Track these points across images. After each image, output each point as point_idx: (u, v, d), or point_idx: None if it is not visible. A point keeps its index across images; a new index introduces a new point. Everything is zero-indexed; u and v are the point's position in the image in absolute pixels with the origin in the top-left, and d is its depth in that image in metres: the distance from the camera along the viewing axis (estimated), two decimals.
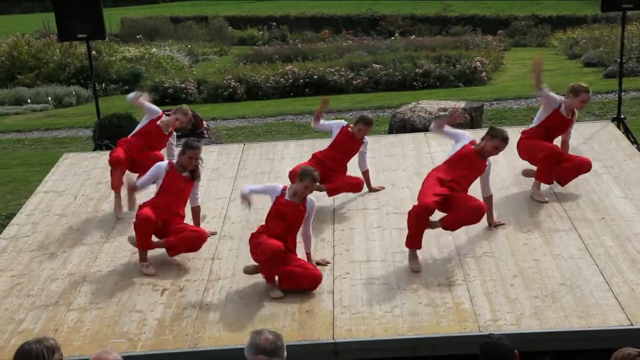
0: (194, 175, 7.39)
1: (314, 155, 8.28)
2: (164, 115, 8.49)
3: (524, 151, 8.10)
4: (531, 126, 8.18)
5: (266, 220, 6.74)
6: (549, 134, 8.04)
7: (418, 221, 6.76)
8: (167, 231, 7.19)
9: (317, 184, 7.03)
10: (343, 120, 8.36)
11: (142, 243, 7.14)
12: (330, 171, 8.09)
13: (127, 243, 7.49)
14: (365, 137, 8.25)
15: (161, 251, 7.43)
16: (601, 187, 8.09)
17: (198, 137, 12.68)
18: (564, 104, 7.92)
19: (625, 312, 5.96)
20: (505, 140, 7.01)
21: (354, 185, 8.22)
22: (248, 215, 7.96)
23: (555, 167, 7.91)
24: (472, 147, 7.02)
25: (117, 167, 8.17)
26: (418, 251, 6.89)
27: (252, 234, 6.75)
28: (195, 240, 7.18)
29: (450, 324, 6.01)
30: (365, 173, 8.38)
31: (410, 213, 6.83)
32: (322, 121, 8.37)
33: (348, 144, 8.19)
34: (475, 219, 6.96)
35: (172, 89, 20.67)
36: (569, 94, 7.95)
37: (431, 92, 18.76)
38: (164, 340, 6.08)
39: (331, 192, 8.12)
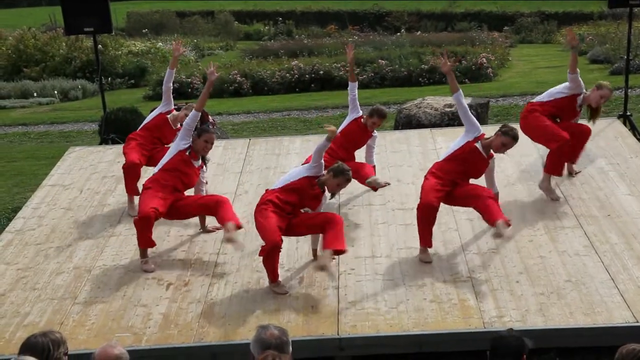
0: (203, 159, 7.41)
1: None
2: (174, 111, 8.47)
3: (531, 127, 7.97)
4: (540, 99, 8.06)
5: (284, 188, 6.62)
6: (554, 114, 7.98)
7: (422, 219, 6.80)
8: (175, 211, 7.17)
9: None
10: (360, 111, 8.30)
11: (143, 241, 7.06)
12: (340, 160, 8.10)
13: (133, 237, 7.52)
14: (375, 131, 8.25)
15: (166, 246, 7.46)
16: (607, 184, 8.08)
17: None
18: (583, 96, 7.91)
19: (631, 309, 5.95)
20: (515, 138, 6.93)
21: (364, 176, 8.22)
22: (254, 210, 7.97)
23: (564, 157, 7.91)
24: (474, 144, 6.94)
25: (131, 172, 8.06)
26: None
27: (260, 206, 6.60)
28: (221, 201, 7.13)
29: (455, 320, 6.01)
30: (372, 169, 8.38)
31: (417, 214, 6.87)
32: (356, 94, 8.23)
33: (358, 134, 8.18)
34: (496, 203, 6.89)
35: (178, 84, 20.65)
36: (593, 88, 7.96)
37: (437, 88, 18.70)
38: (169, 335, 6.09)
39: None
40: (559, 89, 7.97)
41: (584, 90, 7.94)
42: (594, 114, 8.04)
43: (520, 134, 7.98)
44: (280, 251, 6.48)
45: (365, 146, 8.33)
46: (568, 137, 7.79)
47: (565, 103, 7.91)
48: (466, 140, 6.95)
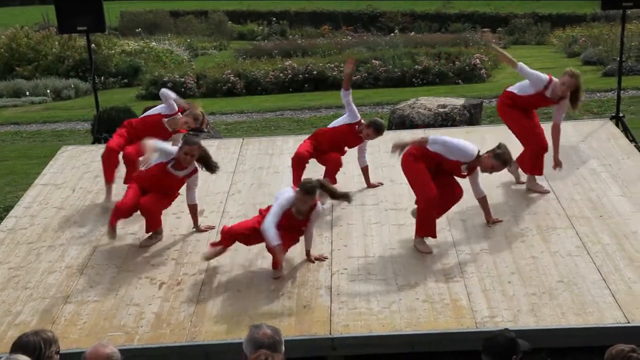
0: (210, 168, 7.47)
1: (315, 133, 8.33)
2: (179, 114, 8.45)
3: (507, 120, 8.07)
4: (514, 89, 7.97)
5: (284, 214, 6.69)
6: (529, 107, 7.95)
7: (430, 210, 6.97)
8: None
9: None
10: (359, 115, 8.23)
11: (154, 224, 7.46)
12: (324, 153, 8.13)
13: (126, 236, 7.55)
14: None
15: (159, 245, 7.45)
16: (599, 185, 8.10)
17: (197, 131, 12.66)
18: (552, 86, 7.76)
19: (622, 310, 5.97)
20: (505, 164, 6.99)
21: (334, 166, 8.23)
22: (247, 210, 7.97)
23: (542, 158, 7.96)
24: (462, 166, 6.99)
25: (108, 157, 8.25)
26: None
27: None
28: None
29: (447, 320, 6.01)
30: (365, 169, 8.39)
31: (420, 207, 7.01)
32: (350, 97, 8.16)
33: (349, 138, 8.17)
34: (455, 202, 7.23)
35: (171, 83, 20.65)
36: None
37: (430, 88, 18.74)
38: (161, 334, 6.08)
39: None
40: (527, 86, 7.86)
41: (547, 79, 7.76)
42: (573, 101, 7.79)
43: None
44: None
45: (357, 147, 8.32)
46: (545, 143, 7.89)
47: (533, 101, 7.87)
48: (457, 163, 6.96)
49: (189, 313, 6.32)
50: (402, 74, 20.29)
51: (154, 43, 28.54)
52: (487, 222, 7.40)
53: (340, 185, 8.39)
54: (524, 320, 5.94)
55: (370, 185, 8.41)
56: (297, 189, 6.64)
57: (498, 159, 6.92)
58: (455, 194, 7.17)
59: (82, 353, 4.11)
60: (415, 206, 7.18)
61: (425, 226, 7.01)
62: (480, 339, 4.43)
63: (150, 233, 7.50)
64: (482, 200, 7.33)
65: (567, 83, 7.70)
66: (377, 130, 8.08)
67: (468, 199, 7.45)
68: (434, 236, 7.04)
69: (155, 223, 7.46)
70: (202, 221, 7.78)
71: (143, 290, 6.72)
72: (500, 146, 7.01)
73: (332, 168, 8.16)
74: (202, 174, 8.82)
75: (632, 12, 21.34)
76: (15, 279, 7.02)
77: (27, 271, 7.15)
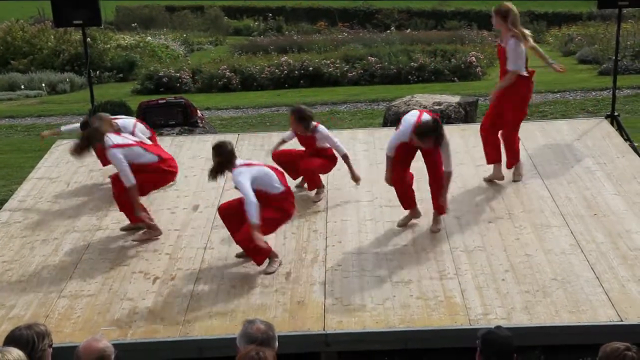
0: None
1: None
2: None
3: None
4: None
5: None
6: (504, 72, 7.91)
7: (399, 191, 7.35)
8: None
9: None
10: (288, 132, 8.35)
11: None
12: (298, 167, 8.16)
13: (119, 232, 7.55)
14: (321, 127, 7.97)
15: (153, 240, 7.44)
16: (594, 184, 8.12)
17: (192, 126, 12.66)
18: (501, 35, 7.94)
19: (615, 308, 5.98)
20: (419, 136, 6.85)
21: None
22: None
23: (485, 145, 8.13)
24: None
25: None
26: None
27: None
28: None
29: (441, 317, 6.02)
30: (344, 157, 7.97)
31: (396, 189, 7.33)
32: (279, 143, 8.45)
33: (304, 140, 8.13)
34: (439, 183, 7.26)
35: (167, 78, 20.65)
36: None
37: (426, 86, 18.77)
38: (155, 329, 6.08)
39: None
40: None
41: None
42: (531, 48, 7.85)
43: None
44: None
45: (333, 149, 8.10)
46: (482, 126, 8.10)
47: (499, 54, 7.94)
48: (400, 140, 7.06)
49: (183, 308, 6.32)
50: (397, 71, 20.31)
51: (149, 38, 28.52)
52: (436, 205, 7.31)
53: (335, 182, 8.42)
54: (517, 318, 5.95)
55: (354, 177, 7.99)
56: None
57: (414, 131, 6.86)
58: (437, 173, 7.16)
59: (76, 347, 4.11)
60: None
61: (402, 201, 7.38)
62: (474, 336, 4.43)
63: (144, 228, 7.49)
64: (446, 175, 7.09)
65: (493, 19, 7.79)
66: (293, 114, 8.02)
67: (463, 198, 7.47)
68: (407, 208, 7.39)
69: (129, 214, 7.47)
70: (197, 216, 7.78)
71: (137, 284, 6.71)
72: (433, 119, 6.91)
73: (308, 178, 8.16)
74: (199, 171, 8.84)
75: (628, 11, 21.42)
76: (9, 273, 7.01)
77: (21, 265, 7.14)
